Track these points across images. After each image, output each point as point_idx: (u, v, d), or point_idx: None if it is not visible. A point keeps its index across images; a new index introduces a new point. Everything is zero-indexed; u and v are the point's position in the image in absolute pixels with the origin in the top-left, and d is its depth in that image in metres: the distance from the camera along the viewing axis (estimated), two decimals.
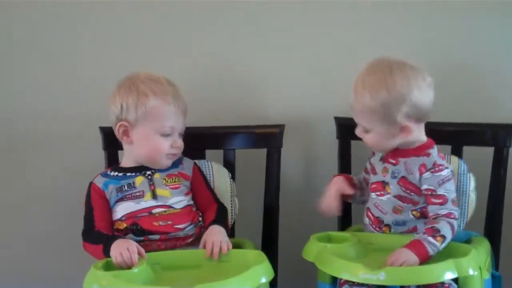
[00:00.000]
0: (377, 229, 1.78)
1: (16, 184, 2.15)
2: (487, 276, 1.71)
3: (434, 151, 1.75)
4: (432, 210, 1.71)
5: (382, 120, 1.69)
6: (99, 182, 1.78)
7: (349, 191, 1.82)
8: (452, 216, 1.68)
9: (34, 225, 2.17)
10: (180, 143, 1.78)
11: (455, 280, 1.64)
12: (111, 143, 1.93)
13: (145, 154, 1.76)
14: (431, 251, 1.62)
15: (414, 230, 1.75)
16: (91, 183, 1.79)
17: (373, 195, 1.79)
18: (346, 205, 2.03)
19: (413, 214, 1.75)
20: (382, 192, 1.77)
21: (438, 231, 1.65)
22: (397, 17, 2.11)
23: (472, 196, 1.85)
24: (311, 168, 2.19)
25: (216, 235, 1.69)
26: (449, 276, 1.56)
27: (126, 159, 1.82)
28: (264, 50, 2.13)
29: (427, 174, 1.71)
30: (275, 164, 1.98)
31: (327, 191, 1.83)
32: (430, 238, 1.63)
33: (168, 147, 1.76)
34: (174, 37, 2.11)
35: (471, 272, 1.59)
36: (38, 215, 2.16)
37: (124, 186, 1.76)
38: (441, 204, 1.70)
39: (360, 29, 2.12)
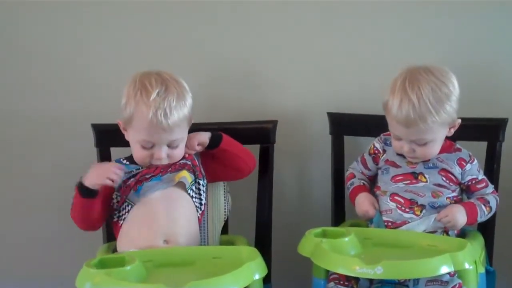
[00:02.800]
0: (407, 209, 1.80)
1: (7, 183, 2.14)
2: (482, 270, 1.73)
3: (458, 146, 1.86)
4: (477, 194, 1.84)
5: (443, 127, 1.76)
6: None
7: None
8: (496, 193, 1.86)
9: (26, 225, 2.16)
10: (162, 155, 1.73)
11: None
12: (103, 141, 1.92)
13: (135, 157, 1.77)
14: (479, 217, 1.78)
15: None
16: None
17: (400, 184, 1.82)
18: (339, 201, 2.04)
19: (448, 201, 1.81)
20: (414, 181, 1.81)
21: (488, 202, 1.81)
22: (390, 14, 2.11)
23: None
24: (304, 164, 2.19)
25: (193, 133, 1.77)
26: (445, 270, 1.56)
27: None
28: (257, 46, 2.12)
29: (468, 166, 1.82)
30: (268, 160, 1.98)
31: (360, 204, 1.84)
32: (482, 206, 1.80)
33: (148, 158, 1.74)
34: (167, 34, 2.11)
35: (466, 266, 1.60)
36: (30, 214, 2.15)
37: (133, 170, 1.77)
38: (485, 186, 1.84)
39: (353, 26, 2.12)
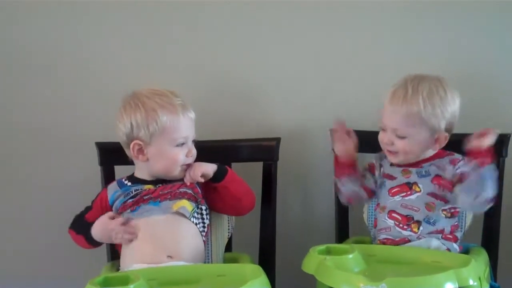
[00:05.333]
0: (405, 226, 1.80)
1: (10, 200, 2.14)
2: (486, 286, 1.71)
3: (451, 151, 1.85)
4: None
5: (425, 127, 1.76)
6: (110, 190, 1.80)
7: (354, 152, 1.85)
8: None
9: (30, 240, 2.15)
10: (194, 151, 1.79)
11: None
12: (107, 159, 1.93)
13: (162, 168, 1.77)
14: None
15: (441, 231, 1.80)
16: (105, 186, 1.83)
17: (396, 198, 1.83)
18: (343, 218, 2.04)
19: (443, 214, 1.80)
20: (409, 192, 1.82)
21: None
22: (395, 32, 2.12)
23: None
24: (308, 181, 2.19)
25: (198, 163, 1.77)
26: (449, 286, 1.56)
27: (140, 172, 1.82)
28: (260, 63, 2.13)
29: (460, 163, 1.80)
30: (271, 176, 1.98)
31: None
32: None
33: (184, 157, 1.76)
34: (169, 52, 2.11)
35: (471, 282, 1.59)
36: (33, 229, 2.15)
37: (132, 192, 1.77)
38: None
39: (356, 43, 2.12)
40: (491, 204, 1.77)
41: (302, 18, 2.11)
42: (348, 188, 1.88)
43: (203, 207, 1.79)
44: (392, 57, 2.11)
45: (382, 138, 1.82)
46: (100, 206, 1.79)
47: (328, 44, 2.13)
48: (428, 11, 2.11)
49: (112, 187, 1.81)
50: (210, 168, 1.77)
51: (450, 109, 1.78)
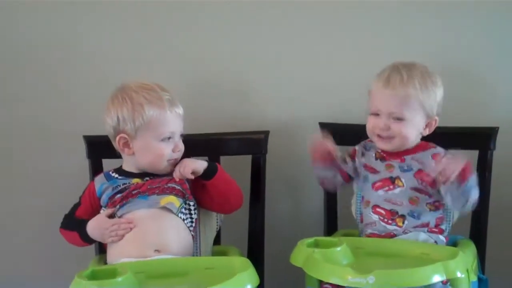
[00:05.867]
0: (390, 221, 1.80)
1: None
2: (474, 278, 1.72)
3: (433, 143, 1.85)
4: None
5: (421, 111, 1.78)
6: (98, 183, 1.80)
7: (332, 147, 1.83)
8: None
9: (15, 234, 2.15)
10: (181, 146, 1.78)
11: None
12: (95, 152, 1.93)
13: (148, 162, 1.76)
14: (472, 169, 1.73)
15: (426, 225, 1.80)
16: (92, 180, 1.83)
17: (379, 192, 1.83)
18: (331, 211, 2.04)
19: (428, 207, 1.80)
20: (391, 187, 1.82)
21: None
22: (381, 25, 2.12)
23: None
24: (296, 174, 2.19)
25: (188, 159, 1.76)
26: (437, 278, 1.56)
27: (127, 165, 1.81)
28: (249, 57, 2.13)
29: (443, 160, 1.76)
30: (260, 170, 1.98)
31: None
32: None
33: (170, 152, 1.76)
34: (158, 45, 2.11)
35: (459, 274, 1.60)
36: (19, 223, 2.14)
37: (120, 185, 1.77)
38: None
39: (345, 36, 2.13)
40: (476, 204, 1.78)
41: (291, 13, 2.11)
42: (322, 174, 1.89)
43: (191, 203, 1.78)
44: (379, 52, 2.11)
45: (376, 123, 1.80)
46: (89, 200, 1.79)
47: (317, 38, 2.13)
48: (413, 6, 2.11)
49: (99, 179, 1.81)
50: (200, 165, 1.76)
51: (439, 93, 1.81)
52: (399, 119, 1.78)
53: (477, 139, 1.96)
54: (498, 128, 1.95)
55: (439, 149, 1.83)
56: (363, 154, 1.89)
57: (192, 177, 1.76)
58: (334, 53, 2.13)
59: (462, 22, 2.12)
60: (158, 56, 2.11)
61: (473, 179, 1.73)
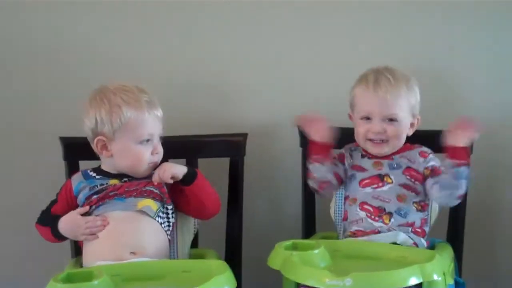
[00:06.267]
0: (377, 218, 1.81)
1: None
2: (451, 281, 1.73)
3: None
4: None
5: (409, 111, 1.83)
6: (75, 181, 1.78)
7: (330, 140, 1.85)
8: None
9: None
10: (160, 148, 1.77)
11: (419, 286, 1.64)
12: (71, 154, 1.91)
13: (127, 165, 1.75)
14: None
15: (411, 225, 1.82)
16: (69, 178, 1.81)
17: (367, 189, 1.85)
18: (310, 213, 2.04)
19: (414, 206, 1.83)
20: (380, 184, 1.84)
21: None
22: (360, 28, 2.13)
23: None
24: (275, 177, 2.19)
25: (168, 163, 1.75)
26: (414, 281, 1.57)
27: (105, 165, 1.80)
28: (227, 59, 2.13)
29: (430, 156, 1.86)
30: (238, 172, 1.97)
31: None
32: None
33: (149, 155, 1.75)
34: (135, 46, 2.10)
35: (435, 277, 1.60)
36: None
37: (97, 186, 1.75)
38: None
39: (324, 39, 2.13)
40: (460, 200, 1.81)
41: (270, 15, 2.12)
42: (321, 174, 1.87)
43: (169, 207, 1.77)
44: (359, 55, 2.12)
45: (370, 128, 1.82)
46: (65, 198, 1.78)
47: (296, 40, 2.13)
48: (393, 8, 2.12)
49: (77, 177, 1.80)
50: (180, 171, 1.75)
51: (418, 93, 1.86)
52: (393, 120, 1.81)
53: None
54: None
55: (426, 148, 1.87)
56: (351, 156, 1.91)
57: (171, 181, 1.75)
58: (314, 55, 2.14)
59: (442, 26, 2.14)
60: (136, 57, 2.10)
61: (467, 169, 1.77)
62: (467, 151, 1.77)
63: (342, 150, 1.93)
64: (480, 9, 2.11)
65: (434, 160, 1.86)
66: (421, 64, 2.11)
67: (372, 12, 2.12)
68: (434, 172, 1.83)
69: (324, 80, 2.13)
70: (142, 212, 1.72)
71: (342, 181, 1.91)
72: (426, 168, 1.84)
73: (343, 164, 1.91)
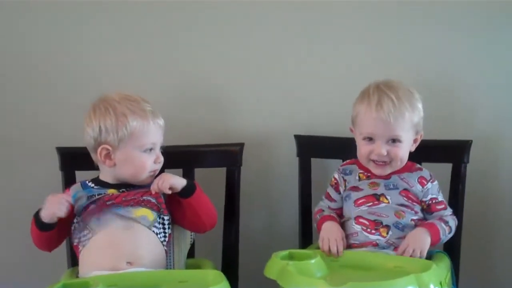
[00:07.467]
0: (373, 231, 1.81)
1: None
2: None
3: (419, 165, 1.89)
4: (436, 215, 1.85)
5: (412, 129, 1.82)
6: (73, 190, 1.78)
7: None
8: (454, 216, 1.87)
9: None
10: (161, 157, 1.79)
11: None
12: (68, 164, 1.91)
13: (130, 173, 1.76)
14: (442, 236, 1.80)
15: None
16: (67, 188, 1.81)
17: (362, 207, 1.84)
18: (306, 223, 2.04)
19: (412, 222, 1.83)
20: (376, 202, 1.83)
21: (447, 222, 1.83)
22: (357, 37, 2.13)
23: None
24: (271, 187, 2.18)
25: (168, 174, 1.75)
26: None
27: (104, 175, 1.80)
28: (224, 69, 2.13)
29: (428, 185, 1.85)
30: (234, 182, 1.97)
31: (329, 236, 1.81)
32: (442, 224, 1.81)
33: (152, 163, 1.76)
34: (133, 57, 2.10)
35: (432, 287, 1.60)
36: None
37: (95, 195, 1.75)
38: (444, 208, 1.86)
39: (320, 48, 2.13)
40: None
41: (266, 24, 2.12)
42: None
43: (165, 217, 1.77)
44: (356, 63, 2.12)
45: (373, 149, 1.81)
46: None
47: (293, 50, 2.13)
48: (391, 13, 2.13)
49: (75, 187, 1.80)
50: (179, 182, 1.75)
51: (421, 108, 1.84)
52: (396, 141, 1.80)
53: (451, 152, 1.98)
54: (471, 141, 1.97)
55: (425, 172, 1.86)
56: (345, 181, 1.90)
57: (169, 192, 1.75)
58: (311, 65, 2.14)
59: (440, 32, 2.14)
60: (132, 68, 2.10)
61: (444, 236, 1.81)
62: (434, 240, 1.78)
63: (335, 175, 1.92)
64: (481, 9, 2.12)
65: (432, 191, 1.85)
66: (420, 68, 2.12)
67: (370, 19, 2.12)
68: (430, 209, 1.85)
69: (322, 90, 2.13)
70: (138, 221, 1.72)
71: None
72: (423, 201, 1.85)
73: (339, 193, 1.91)
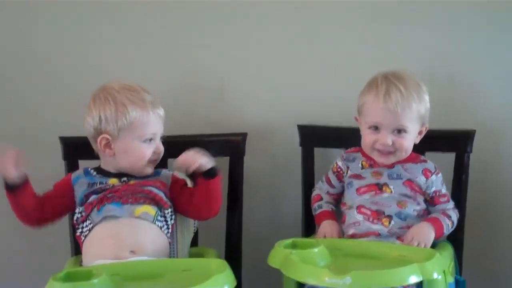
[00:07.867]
0: (375, 221, 1.81)
1: None
2: (451, 280, 1.73)
3: (424, 157, 1.90)
4: (439, 208, 1.85)
5: (419, 121, 1.82)
6: (75, 174, 1.80)
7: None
8: (456, 209, 1.88)
9: None
10: (161, 147, 1.78)
11: (419, 284, 1.65)
12: (71, 153, 1.92)
13: (129, 163, 1.76)
14: (445, 231, 1.81)
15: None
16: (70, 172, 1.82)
17: (365, 196, 1.84)
18: (310, 212, 2.03)
19: (415, 213, 1.83)
20: (379, 192, 1.83)
21: (450, 216, 1.84)
22: (361, 26, 2.13)
23: None
24: (275, 176, 2.18)
25: (198, 152, 1.73)
26: (413, 280, 1.57)
27: (105, 164, 1.80)
28: (226, 59, 2.13)
29: (433, 177, 1.85)
30: (238, 172, 1.98)
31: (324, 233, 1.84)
32: (446, 219, 1.82)
33: (151, 153, 1.76)
34: (136, 47, 2.11)
35: (435, 275, 1.60)
36: None
37: (96, 184, 1.76)
38: (447, 201, 1.87)
39: (323, 38, 2.13)
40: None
41: (268, 15, 2.11)
42: None
43: (166, 211, 1.77)
44: (359, 55, 2.12)
45: (378, 139, 1.81)
46: (62, 188, 1.78)
47: (295, 41, 2.13)
48: (396, 10, 2.12)
49: (77, 172, 1.81)
50: (208, 163, 1.73)
51: (428, 99, 1.84)
52: (401, 131, 1.80)
53: (454, 142, 1.98)
54: (475, 131, 1.96)
55: (430, 165, 1.86)
56: (348, 168, 1.90)
57: (193, 168, 1.72)
58: (312, 55, 2.13)
59: (440, 26, 2.13)
60: (135, 57, 2.10)
61: (447, 228, 1.83)
62: (438, 233, 1.80)
63: (339, 163, 1.92)
64: (481, 9, 2.11)
65: (436, 183, 1.85)
66: (421, 68, 2.09)
67: (372, 13, 2.11)
68: (433, 201, 1.86)
69: (324, 80, 2.13)
70: (140, 218, 1.72)
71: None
72: (427, 193, 1.85)
73: (341, 181, 1.92)
